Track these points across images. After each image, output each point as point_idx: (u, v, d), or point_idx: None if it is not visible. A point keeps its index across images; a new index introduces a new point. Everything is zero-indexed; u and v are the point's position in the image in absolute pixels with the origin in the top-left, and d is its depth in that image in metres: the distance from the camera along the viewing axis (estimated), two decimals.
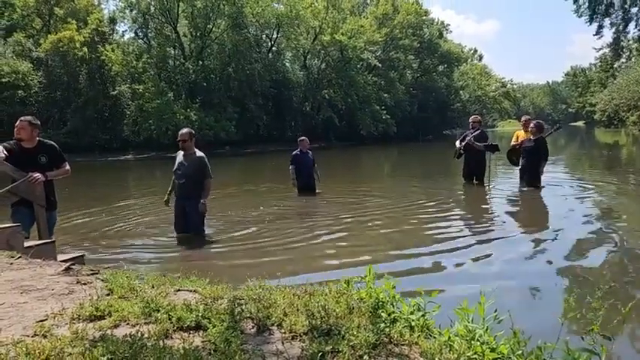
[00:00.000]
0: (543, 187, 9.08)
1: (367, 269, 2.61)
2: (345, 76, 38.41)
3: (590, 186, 10.21)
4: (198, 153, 5.95)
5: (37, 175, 4.15)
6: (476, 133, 9.89)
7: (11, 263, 3.00)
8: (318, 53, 39.07)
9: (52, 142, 4.64)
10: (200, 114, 29.70)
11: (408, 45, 45.10)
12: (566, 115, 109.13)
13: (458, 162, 10.54)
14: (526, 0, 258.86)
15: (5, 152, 4.09)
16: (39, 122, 4.57)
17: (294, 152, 9.28)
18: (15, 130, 4.39)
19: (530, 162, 8.97)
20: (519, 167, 9.39)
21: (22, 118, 4.49)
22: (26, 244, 3.62)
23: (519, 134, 9.62)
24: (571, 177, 12.03)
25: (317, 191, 9.32)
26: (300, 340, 1.89)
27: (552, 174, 11.54)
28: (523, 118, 9.95)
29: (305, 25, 36.79)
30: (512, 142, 9.68)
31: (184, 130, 6.06)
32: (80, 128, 28.19)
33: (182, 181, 5.87)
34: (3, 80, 26.22)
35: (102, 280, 2.69)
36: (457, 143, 10.19)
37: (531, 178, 9.01)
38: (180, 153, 6.03)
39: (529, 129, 9.19)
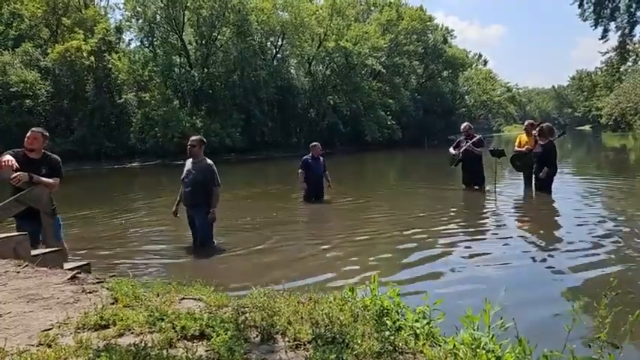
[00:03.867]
0: (552, 192, 9.00)
1: (372, 277, 2.61)
2: (350, 82, 38.48)
3: (597, 190, 10.14)
4: (208, 161, 5.85)
5: (21, 173, 4.07)
6: (475, 139, 9.87)
7: (18, 272, 3.02)
8: (322, 60, 39.18)
9: (57, 157, 4.62)
10: (206, 121, 29.85)
11: (412, 51, 45.16)
12: (572, 120, 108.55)
13: (460, 169, 10.43)
14: (530, 5, 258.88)
15: (10, 157, 4.12)
16: (48, 134, 4.61)
17: (304, 157, 9.28)
18: (26, 140, 4.41)
19: (539, 168, 8.87)
20: (523, 174, 9.35)
21: (34, 129, 4.53)
22: (33, 252, 3.64)
23: (522, 138, 9.58)
24: (578, 181, 11.95)
25: (324, 198, 9.31)
26: (304, 348, 1.88)
27: (559, 178, 11.46)
28: (526, 122, 9.92)
29: (309, 31, 36.95)
30: (516, 147, 9.63)
31: (195, 137, 6.01)
32: (87, 136, 28.40)
33: (188, 188, 5.76)
34: (11, 90, 26.50)
35: (107, 289, 2.70)
36: (451, 150, 10.14)
37: (540, 184, 8.93)
38: (189, 161, 5.93)
39: (533, 133, 9.15)
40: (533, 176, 9.17)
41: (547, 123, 9.35)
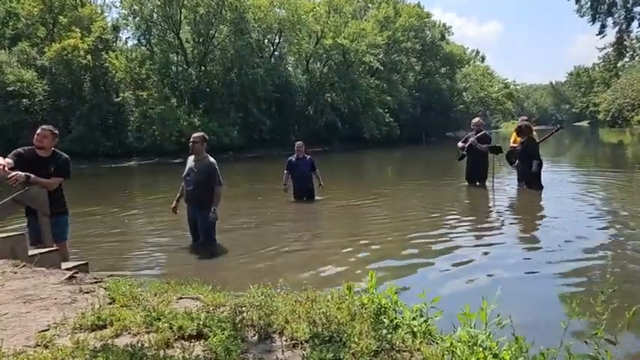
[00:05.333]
0: (543, 187, 9.05)
1: (369, 275, 2.61)
2: (348, 80, 38.41)
3: (593, 186, 10.16)
4: (210, 159, 5.78)
5: (17, 173, 4.03)
6: (479, 134, 9.86)
7: (15, 272, 3.01)
8: (320, 57, 39.13)
9: (67, 156, 4.59)
10: (203, 119, 29.76)
11: (410, 47, 45.12)
12: (569, 116, 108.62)
13: (460, 165, 10.50)
14: (528, 1, 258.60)
15: (10, 161, 4.10)
16: (57, 132, 4.58)
17: (289, 158, 9.23)
18: (36, 137, 4.37)
19: (522, 165, 9.05)
20: (516, 170, 9.47)
21: (43, 126, 4.50)
22: (30, 252, 3.63)
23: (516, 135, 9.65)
24: (574, 176, 11.97)
25: (317, 198, 9.17)
26: (301, 347, 1.88)
27: (556, 174, 11.49)
28: (520, 120, 9.96)
29: (307, 29, 36.86)
30: (511, 143, 9.74)
31: (197, 133, 5.94)
32: (84, 135, 28.28)
33: (190, 187, 5.71)
34: (8, 89, 26.37)
35: (104, 289, 2.70)
36: (460, 144, 10.17)
37: (528, 181, 9.04)
38: (191, 158, 5.87)
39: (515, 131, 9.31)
40: (520, 174, 9.30)
41: (525, 122, 9.43)
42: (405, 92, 44.31)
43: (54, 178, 4.43)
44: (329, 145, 35.51)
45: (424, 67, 50.42)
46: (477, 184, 9.98)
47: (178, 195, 6.07)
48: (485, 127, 10.28)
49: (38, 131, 4.41)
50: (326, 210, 8.66)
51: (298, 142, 9.35)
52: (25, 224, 4.59)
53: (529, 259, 4.98)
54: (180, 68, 33.22)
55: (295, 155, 9.11)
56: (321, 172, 9.40)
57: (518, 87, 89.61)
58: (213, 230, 5.82)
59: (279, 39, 37.37)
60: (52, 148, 4.50)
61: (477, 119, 10.43)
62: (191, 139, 5.82)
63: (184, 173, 5.86)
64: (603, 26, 44.95)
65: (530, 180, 8.98)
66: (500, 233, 6.19)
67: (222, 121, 30.94)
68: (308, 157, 9.20)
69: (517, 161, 9.25)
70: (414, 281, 4.31)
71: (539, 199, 8.59)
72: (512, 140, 9.77)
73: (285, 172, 9.15)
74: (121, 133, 30.21)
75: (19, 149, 4.35)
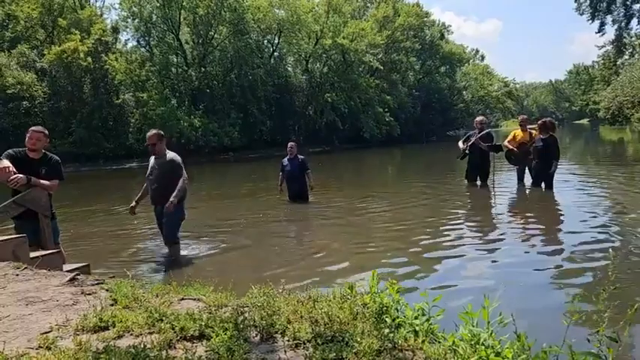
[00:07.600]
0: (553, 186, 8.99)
1: (371, 274, 2.61)
2: (348, 80, 38.46)
3: (596, 184, 10.14)
4: (170, 155, 5.55)
5: (18, 176, 4.05)
6: (483, 133, 9.78)
7: (17, 274, 3.01)
8: (319, 57, 39.17)
9: (57, 157, 4.57)
10: (204, 120, 29.83)
11: (409, 47, 45.16)
12: (570, 114, 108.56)
13: (461, 164, 10.45)
14: None
15: (8, 163, 4.10)
16: (48, 132, 4.57)
17: (282, 159, 9.23)
18: (29, 140, 4.35)
19: (541, 162, 8.83)
20: (516, 169, 9.39)
21: (34, 128, 4.47)
22: (32, 254, 3.63)
23: (517, 133, 9.55)
24: (576, 174, 11.95)
25: (317, 198, 9.13)
26: (303, 347, 1.88)
27: (557, 172, 11.45)
28: (520, 117, 9.87)
29: (306, 29, 36.92)
30: (507, 142, 9.55)
31: (152, 132, 5.63)
32: (85, 137, 28.31)
33: (154, 186, 5.49)
34: (8, 92, 26.38)
35: (106, 290, 2.70)
36: (460, 144, 10.07)
37: (542, 179, 8.91)
38: (153, 157, 5.69)
39: (529, 128, 9.15)
40: (533, 171, 9.16)
41: (549, 118, 9.32)
42: (404, 91, 44.39)
43: (53, 180, 4.42)
44: (329, 144, 35.56)
45: (424, 66, 50.49)
46: (479, 182, 9.93)
47: (138, 196, 5.80)
48: (485, 125, 10.15)
49: (30, 134, 4.38)
50: (326, 210, 8.66)
51: (290, 143, 9.29)
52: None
53: (531, 257, 4.97)
54: (180, 69, 33.27)
55: (288, 156, 9.10)
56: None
57: (518, 85, 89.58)
58: (177, 230, 5.57)
59: (279, 39, 37.42)
60: (43, 150, 4.47)
61: (480, 117, 10.29)
62: (148, 142, 5.58)
63: (147, 173, 5.66)
64: (602, 24, 44.95)
65: (542, 178, 8.85)
66: (502, 232, 6.18)
67: (222, 121, 31.00)
68: (300, 157, 9.13)
69: (535, 159, 8.98)
70: (416, 280, 4.31)
71: (539, 198, 8.58)
72: (510, 138, 9.62)
73: (280, 173, 9.16)
74: (121, 135, 30.24)
75: (9, 151, 4.31)
